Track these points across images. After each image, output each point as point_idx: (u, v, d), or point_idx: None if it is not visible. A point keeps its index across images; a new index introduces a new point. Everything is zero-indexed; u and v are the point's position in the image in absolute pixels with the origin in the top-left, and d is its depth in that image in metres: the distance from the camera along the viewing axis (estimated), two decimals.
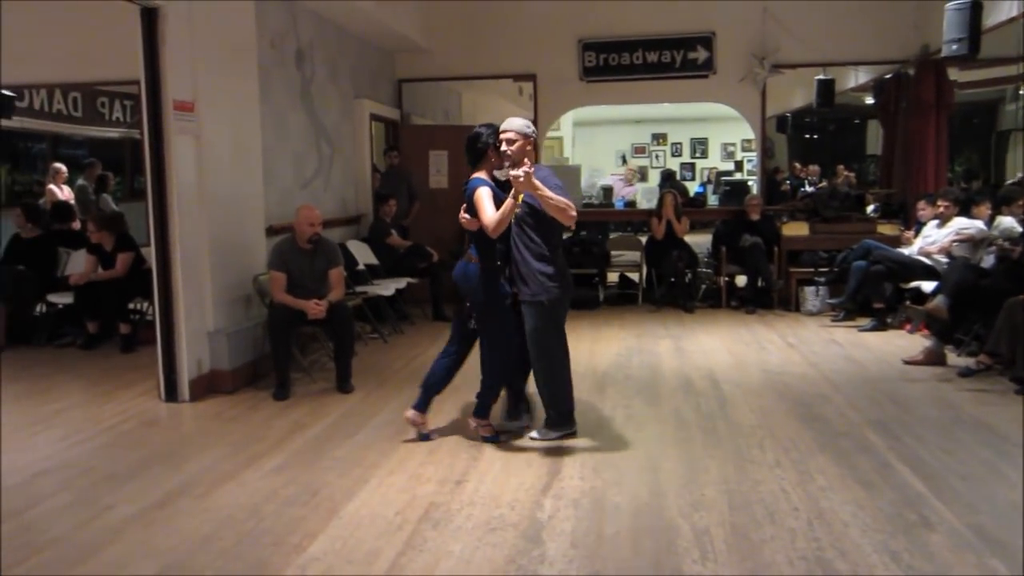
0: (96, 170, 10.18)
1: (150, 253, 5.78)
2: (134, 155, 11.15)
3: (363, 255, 7.91)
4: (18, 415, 5.22)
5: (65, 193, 9.46)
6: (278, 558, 3.16)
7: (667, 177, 13.93)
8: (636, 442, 4.50)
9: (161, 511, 3.65)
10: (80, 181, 9.98)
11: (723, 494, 3.70)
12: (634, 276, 9.56)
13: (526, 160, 4.19)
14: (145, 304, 7.38)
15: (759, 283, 8.60)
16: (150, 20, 5.25)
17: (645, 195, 11.87)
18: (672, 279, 8.97)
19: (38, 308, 7.64)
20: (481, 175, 4.38)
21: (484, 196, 4.22)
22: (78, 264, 7.43)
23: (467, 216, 4.33)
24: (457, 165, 9.72)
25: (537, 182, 4.05)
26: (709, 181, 14.66)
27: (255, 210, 6.33)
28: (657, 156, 16.71)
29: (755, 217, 8.79)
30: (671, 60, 9.39)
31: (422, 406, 4.62)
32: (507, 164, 4.28)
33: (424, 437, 4.56)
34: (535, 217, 4.28)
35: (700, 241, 9.53)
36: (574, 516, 3.51)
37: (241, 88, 6.13)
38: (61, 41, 7.46)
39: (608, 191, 11.67)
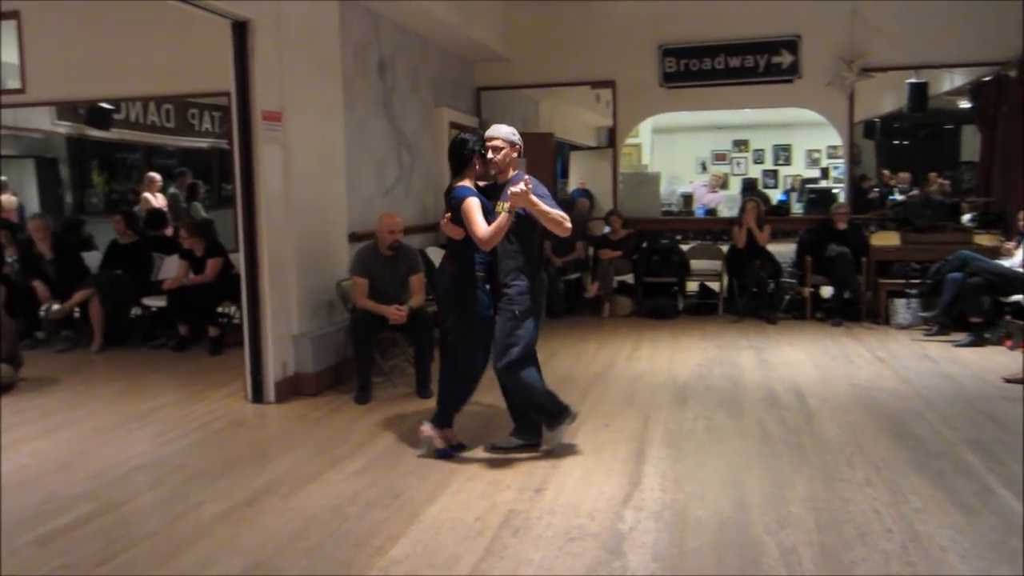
0: (187, 179, 10.55)
1: (238, 259, 5.95)
2: (221, 164, 11.51)
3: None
4: (116, 413, 5.43)
5: (159, 201, 9.82)
6: (361, 559, 3.20)
7: (748, 187, 13.66)
8: (718, 455, 4.41)
9: (248, 509, 3.74)
10: (172, 189, 10.36)
11: (811, 512, 3.59)
12: (714, 285, 9.39)
13: (512, 169, 4.23)
14: (233, 308, 7.60)
15: (845, 294, 8.35)
16: (241, 33, 5.42)
17: (726, 203, 11.64)
18: (754, 289, 8.78)
19: (134, 311, 7.93)
20: (465, 183, 4.26)
21: (475, 207, 4.10)
22: (171, 269, 7.70)
23: (452, 224, 4.24)
24: (537, 173, 9.69)
25: (534, 198, 3.98)
26: (793, 189, 14.31)
27: (338, 217, 6.45)
28: (738, 163, 16.38)
29: (842, 226, 8.53)
30: (754, 64, 9.22)
31: (442, 421, 4.44)
32: (493, 172, 4.30)
33: (442, 453, 4.39)
34: (521, 229, 4.22)
35: (783, 250, 9.29)
36: (655, 528, 3.46)
37: (326, 98, 6.27)
38: (156, 56, 7.74)
39: (688, 198, 11.51)
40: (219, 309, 7.53)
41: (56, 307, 7.57)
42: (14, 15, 8.18)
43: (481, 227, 4.05)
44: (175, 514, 3.70)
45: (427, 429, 4.39)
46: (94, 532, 3.51)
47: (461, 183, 4.26)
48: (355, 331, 5.69)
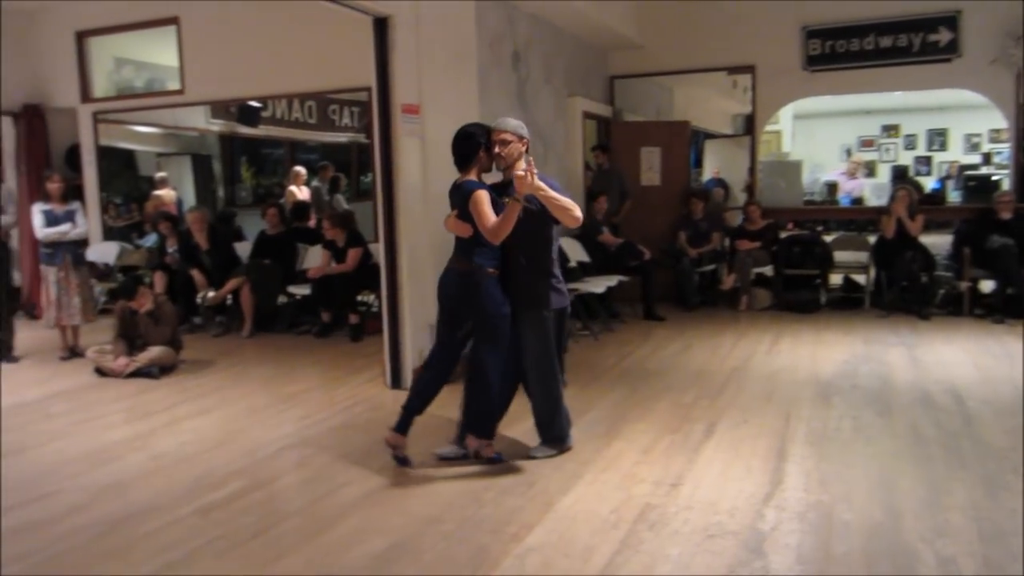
0: (329, 172, 10.97)
1: (377, 249, 6.13)
2: (360, 157, 11.89)
3: (575, 252, 7.96)
4: (265, 394, 5.72)
5: (304, 194, 10.24)
6: (497, 546, 3.23)
7: (899, 175, 12.93)
8: (866, 456, 4.20)
9: (388, 491, 3.86)
10: (315, 182, 10.79)
11: (972, 521, 3.36)
12: (860, 279, 8.95)
13: (519, 164, 3.96)
14: (372, 297, 7.85)
15: (1009, 290, 7.77)
16: (382, 28, 5.56)
17: (875, 191, 11.07)
18: (904, 282, 8.30)
19: (280, 298, 8.32)
20: (471, 177, 4.09)
21: (484, 199, 3.92)
22: (314, 259, 8.02)
23: (458, 221, 4.07)
24: (670, 162, 9.57)
25: (540, 182, 3.80)
26: (949, 176, 13.41)
27: None
28: (887, 149, 15.52)
29: (1006, 216, 7.94)
30: (907, 44, 8.69)
31: (481, 431, 4.22)
32: (500, 166, 4.10)
33: (402, 461, 4.18)
34: (531, 220, 3.98)
35: (936, 242, 8.74)
36: (799, 530, 3.32)
37: (462, 90, 6.35)
38: (300, 54, 8.08)
39: (832, 187, 11.02)
40: (359, 297, 7.79)
41: (211, 294, 8.03)
42: (174, 20, 8.70)
43: (490, 219, 3.89)
44: (321, 492, 3.85)
45: (472, 441, 4.22)
46: (247, 506, 3.70)
47: (467, 177, 4.10)
48: None
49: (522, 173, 3.75)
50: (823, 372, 5.99)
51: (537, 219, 3.98)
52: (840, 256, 9.02)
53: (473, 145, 4.09)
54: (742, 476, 3.93)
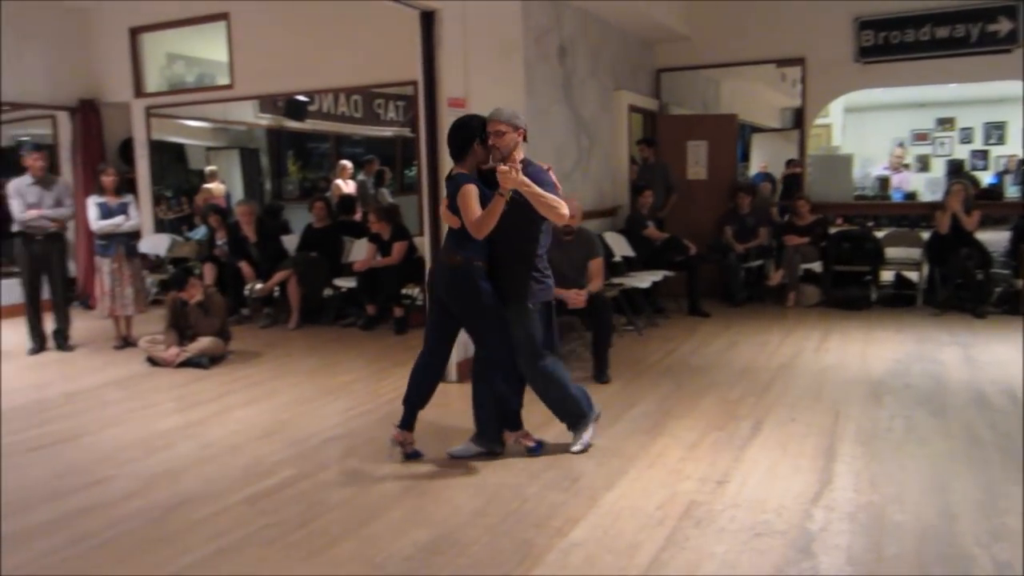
0: (374, 166, 11.05)
1: (421, 242, 6.15)
2: (404, 151, 11.96)
3: (620, 247, 7.92)
4: (311, 386, 5.79)
5: (350, 187, 10.33)
6: (542, 540, 3.23)
7: (955, 170, 12.62)
8: (919, 457, 4.11)
9: (433, 483, 3.88)
10: (360, 176, 10.88)
11: None
12: (912, 276, 8.76)
13: (515, 155, 3.87)
14: (416, 290, 7.88)
15: None
16: (428, 23, 5.57)
17: (928, 186, 10.83)
18: (959, 280, 8.11)
19: (326, 291, 8.40)
20: (464, 170, 4.03)
21: (471, 194, 3.87)
22: (360, 252, 8.09)
23: (449, 213, 4.04)
24: (717, 156, 9.47)
25: (524, 178, 3.73)
26: (1007, 170, 13.04)
27: None
28: (942, 143, 15.16)
29: None
30: (965, 34, 8.47)
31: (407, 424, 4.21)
32: (495, 158, 3.96)
33: (412, 455, 4.19)
34: (517, 214, 3.88)
35: (993, 238, 8.51)
36: (849, 531, 3.27)
37: (508, 84, 6.34)
38: (346, 49, 8.15)
39: (884, 182, 10.80)
40: (404, 291, 7.83)
41: (259, 286, 8.14)
42: (224, 16, 8.83)
43: (475, 213, 3.84)
44: (367, 483, 3.89)
45: (508, 436, 4.23)
46: (295, 496, 3.75)
47: (461, 170, 4.04)
48: None
49: (506, 168, 3.69)
50: (874, 370, 5.88)
51: (524, 213, 3.90)
52: (892, 252, 8.84)
53: (467, 136, 4.02)
54: (790, 475, 3.87)
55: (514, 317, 4.05)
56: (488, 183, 3.96)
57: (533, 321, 4.06)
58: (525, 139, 4.02)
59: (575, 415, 4.27)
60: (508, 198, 3.77)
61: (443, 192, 5.63)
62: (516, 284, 4.04)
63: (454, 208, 3.99)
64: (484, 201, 3.87)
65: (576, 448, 4.22)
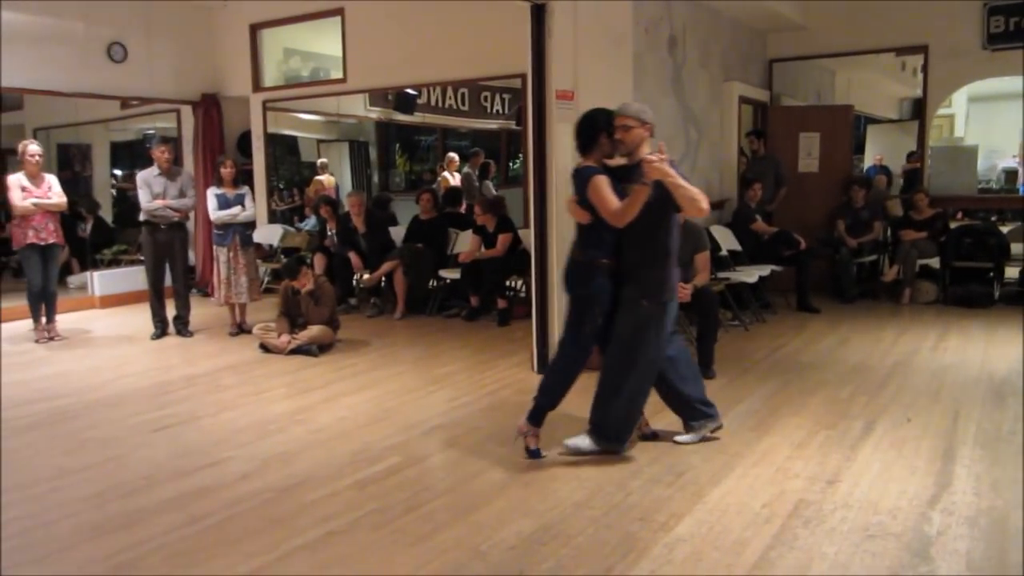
0: (480, 159, 11.18)
1: (525, 234, 6.18)
2: (509, 144, 12.06)
3: (727, 240, 7.77)
4: (416, 375, 5.91)
5: (456, 180, 10.48)
6: (646, 533, 3.21)
7: None
8: None
9: (537, 474, 3.90)
10: (466, 169, 11.02)
11: None
12: None
13: (641, 151, 3.87)
14: (519, 282, 7.95)
15: None
16: (539, 16, 5.59)
17: None
18: None
19: (431, 282, 8.56)
20: (591, 163, 4.01)
21: (604, 184, 3.86)
22: (464, 243, 8.19)
23: (578, 207, 4.02)
24: (830, 148, 9.16)
25: (669, 169, 3.70)
26: None
27: None
28: None
29: None
30: None
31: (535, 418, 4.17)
32: (622, 152, 3.99)
33: (532, 454, 4.11)
34: (652, 208, 3.82)
35: None
36: (968, 535, 3.13)
37: (616, 76, 6.28)
38: (455, 43, 8.26)
39: (1011, 175, 10.23)
40: (508, 282, 7.90)
41: (367, 276, 8.36)
42: (339, 12, 9.08)
43: (613, 202, 3.83)
44: (471, 472, 3.95)
45: (523, 425, 4.17)
46: (401, 482, 3.84)
47: (587, 163, 4.04)
48: None
49: (654, 158, 3.69)
50: (996, 371, 5.60)
51: (660, 205, 3.85)
52: (1018, 248, 8.37)
53: (595, 130, 4.04)
54: (905, 476, 3.74)
55: (647, 313, 3.97)
56: (614, 177, 3.97)
57: (667, 319, 4.01)
58: (652, 134, 4.03)
59: (607, 431, 4.09)
60: (650, 188, 3.75)
61: (550, 184, 5.71)
62: (652, 279, 3.98)
63: (584, 202, 3.98)
64: (614, 190, 3.88)
65: (573, 440, 4.13)
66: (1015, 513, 3.31)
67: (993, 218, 9.22)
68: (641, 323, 3.97)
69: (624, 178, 3.95)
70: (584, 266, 4.07)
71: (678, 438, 4.27)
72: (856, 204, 8.63)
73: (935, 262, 8.47)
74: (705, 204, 3.81)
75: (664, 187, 3.76)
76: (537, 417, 4.15)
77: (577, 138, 4.12)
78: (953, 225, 8.68)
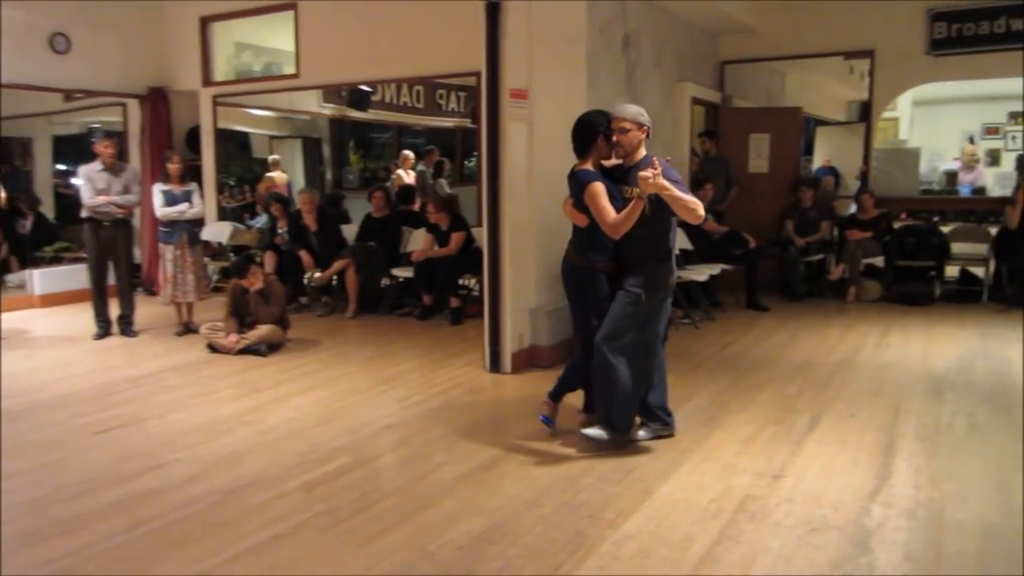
0: (434, 156, 11.14)
1: (479, 233, 6.17)
2: (464, 142, 12.04)
3: (678, 239, 7.81)
4: (367, 375, 5.87)
5: (411, 177, 10.43)
6: (594, 531, 3.23)
7: None
8: (982, 454, 4.02)
9: (487, 473, 3.90)
10: (420, 166, 10.97)
11: None
12: (978, 271, 8.51)
13: (638, 153, 4.00)
14: (473, 281, 7.93)
15: None
16: (494, 14, 5.58)
17: (998, 180, 10.49)
18: None
19: (384, 280, 8.49)
20: (587, 166, 4.11)
21: (601, 193, 3.95)
22: (417, 242, 8.15)
23: (574, 210, 4.11)
24: (780, 149, 9.31)
25: (665, 182, 3.73)
26: None
27: None
28: (1014, 137, 14.65)
29: None
30: None
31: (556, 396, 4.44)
32: (620, 155, 4.07)
33: (545, 420, 4.39)
34: (652, 215, 3.93)
35: None
36: (907, 527, 3.21)
37: (571, 75, 6.33)
38: (410, 41, 8.19)
39: (952, 176, 10.50)
40: (461, 281, 7.88)
41: (318, 275, 8.27)
42: (292, 6, 8.96)
43: (609, 213, 3.90)
44: (420, 472, 3.94)
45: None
46: (350, 483, 3.81)
47: (584, 166, 4.11)
48: None
49: (647, 174, 3.71)
50: (936, 367, 5.75)
51: (659, 212, 3.93)
52: (958, 248, 8.60)
53: (592, 133, 4.10)
54: (848, 470, 3.82)
55: (651, 309, 4.06)
56: (610, 178, 4.07)
57: (662, 313, 4.13)
58: (648, 136, 4.09)
59: (621, 415, 4.13)
60: (647, 201, 3.81)
61: (503, 183, 5.70)
62: (655, 273, 4.05)
63: (580, 206, 4.04)
64: (611, 196, 3.97)
65: (591, 431, 4.15)
66: (951, 505, 3.40)
67: (935, 219, 9.44)
68: (635, 313, 4.03)
69: (620, 180, 4.05)
70: (583, 271, 4.16)
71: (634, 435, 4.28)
72: (804, 204, 8.79)
73: (880, 261, 8.66)
74: (701, 211, 3.85)
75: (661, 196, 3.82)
76: (557, 394, 4.40)
77: (574, 140, 4.17)
78: (897, 225, 8.87)
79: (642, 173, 3.75)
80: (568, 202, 4.19)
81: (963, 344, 6.42)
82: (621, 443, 4.14)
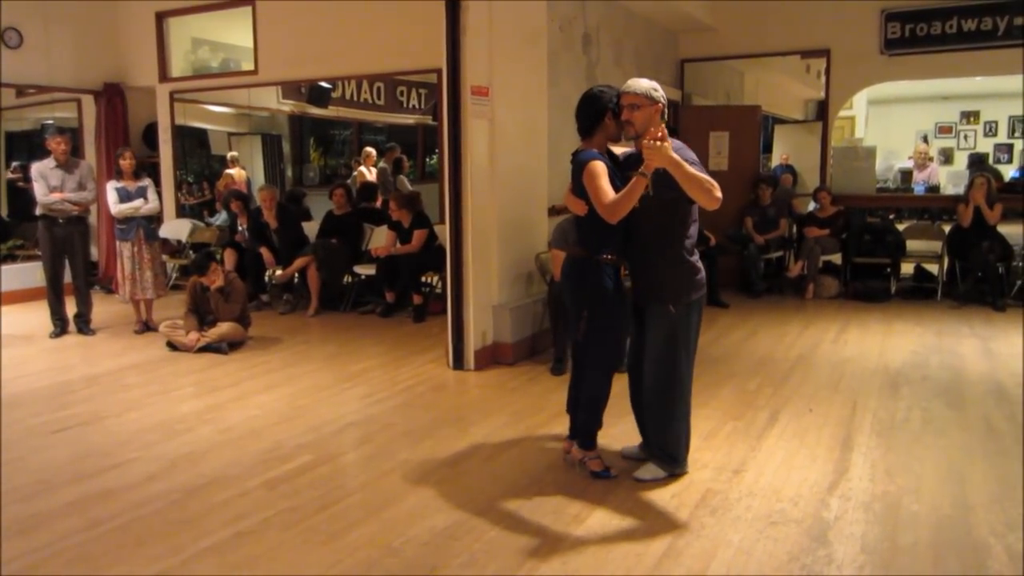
0: (395, 154, 11.09)
1: (441, 230, 6.17)
2: (426, 139, 12.01)
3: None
4: (330, 372, 5.83)
5: (372, 175, 10.37)
6: (558, 526, 3.25)
7: (977, 162, 12.50)
8: (936, 448, 4.11)
9: (451, 469, 3.90)
10: (381, 163, 10.92)
11: None
12: (933, 268, 8.69)
13: (651, 133, 3.22)
14: (435, 278, 7.92)
15: None
16: (454, 10, 5.57)
17: (951, 179, 10.74)
18: (979, 273, 8.04)
19: (346, 278, 8.44)
20: (592, 148, 3.55)
21: (599, 171, 3.37)
22: (380, 239, 8.12)
23: (574, 197, 3.59)
24: (739, 147, 9.42)
25: (674, 155, 3.19)
26: None
27: (539, 190, 6.53)
28: (966, 136, 15.02)
29: None
30: (992, 27, 8.37)
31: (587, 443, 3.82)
32: (630, 135, 3.49)
33: (603, 474, 3.76)
34: (665, 198, 3.39)
35: (1015, 232, 8.44)
36: (864, 520, 3.27)
37: (531, 72, 6.34)
38: (370, 37, 8.14)
39: (907, 175, 10.72)
40: (423, 278, 7.86)
41: (279, 272, 8.20)
42: (249, 1, 8.86)
43: (607, 194, 3.33)
44: (384, 469, 3.93)
45: (576, 452, 3.83)
46: (313, 481, 3.79)
47: (589, 147, 3.56)
48: (553, 303, 5.77)
49: (648, 142, 3.15)
50: (892, 362, 5.86)
51: (672, 192, 3.35)
52: (913, 245, 8.79)
53: (599, 109, 3.54)
54: (806, 464, 3.88)
55: (658, 319, 3.58)
56: (627, 165, 3.56)
57: (677, 324, 3.56)
58: (664, 116, 3.49)
59: (668, 451, 3.71)
60: (650, 178, 3.26)
61: (465, 180, 5.70)
62: (674, 280, 3.53)
63: (580, 191, 3.52)
64: (613, 181, 3.42)
65: (645, 476, 3.71)
66: (907, 497, 3.48)
67: (891, 216, 9.63)
68: (672, 332, 3.56)
69: (632, 167, 3.41)
70: (584, 261, 3.62)
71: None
72: (763, 202, 8.91)
73: (838, 258, 8.81)
74: (719, 193, 3.22)
75: (671, 174, 3.26)
76: (590, 442, 3.80)
77: (578, 119, 3.63)
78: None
79: (645, 141, 3.19)
80: (568, 190, 3.68)
81: (918, 340, 6.55)
82: (676, 474, 3.73)
